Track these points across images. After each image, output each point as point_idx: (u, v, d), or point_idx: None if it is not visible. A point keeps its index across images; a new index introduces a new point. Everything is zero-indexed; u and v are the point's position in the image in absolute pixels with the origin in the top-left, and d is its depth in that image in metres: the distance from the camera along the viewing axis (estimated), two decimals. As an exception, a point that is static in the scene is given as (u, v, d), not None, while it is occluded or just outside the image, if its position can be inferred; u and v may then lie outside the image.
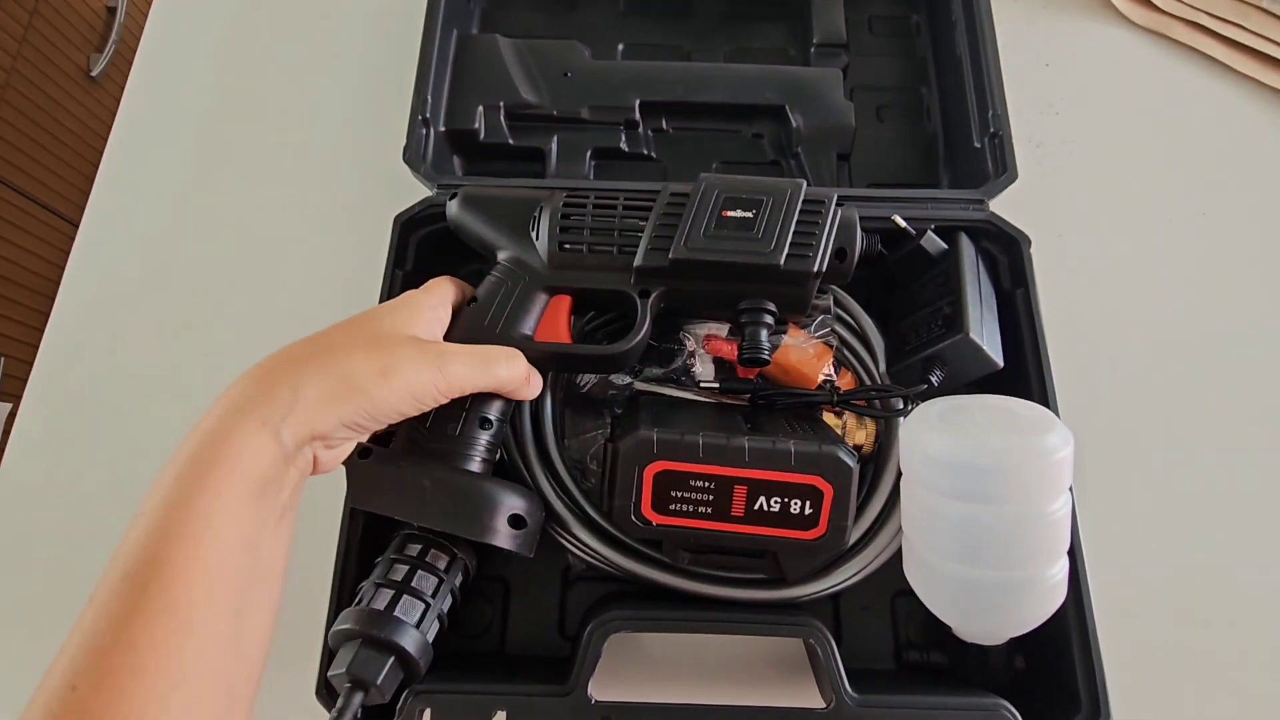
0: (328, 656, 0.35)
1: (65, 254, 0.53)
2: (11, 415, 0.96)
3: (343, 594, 0.37)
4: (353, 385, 0.30)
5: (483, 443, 0.36)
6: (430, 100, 0.48)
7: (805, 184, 0.39)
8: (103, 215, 0.55)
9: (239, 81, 0.59)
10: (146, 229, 0.54)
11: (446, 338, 0.36)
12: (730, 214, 0.38)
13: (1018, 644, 0.39)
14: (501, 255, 0.40)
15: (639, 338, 0.38)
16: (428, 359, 0.32)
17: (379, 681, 0.31)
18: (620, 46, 0.57)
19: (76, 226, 0.54)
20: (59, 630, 0.24)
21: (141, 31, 0.60)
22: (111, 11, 1.12)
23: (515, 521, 0.35)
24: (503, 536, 0.34)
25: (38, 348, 0.51)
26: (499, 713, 0.35)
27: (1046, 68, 0.58)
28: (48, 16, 1.02)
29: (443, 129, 0.50)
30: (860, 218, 0.40)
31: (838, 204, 0.39)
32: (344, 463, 0.33)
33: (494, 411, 0.37)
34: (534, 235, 0.39)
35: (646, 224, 0.38)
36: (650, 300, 0.38)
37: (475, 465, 0.36)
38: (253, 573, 0.27)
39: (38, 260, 1.02)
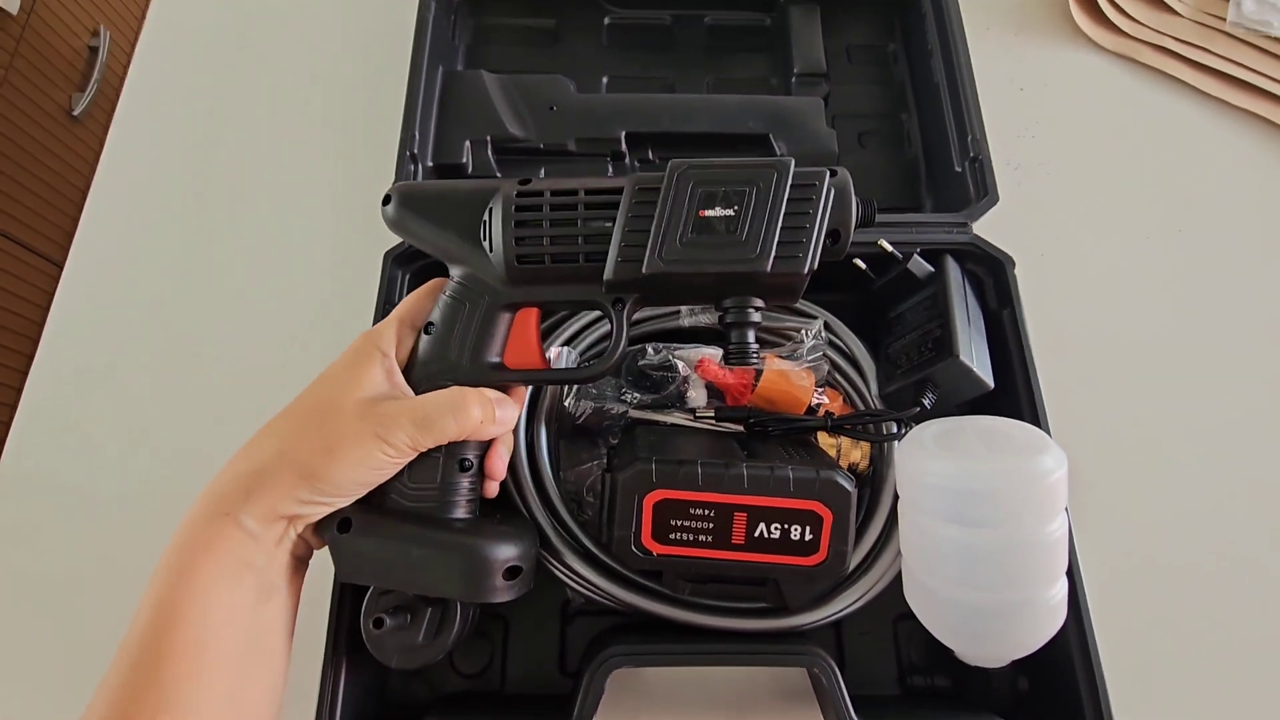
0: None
1: (46, 293, 0.53)
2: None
3: (338, 652, 0.36)
4: (302, 468, 0.30)
5: (465, 486, 0.35)
6: (418, 136, 0.49)
7: (793, 163, 0.33)
8: (88, 254, 0.55)
9: (225, 119, 0.59)
10: (133, 268, 0.54)
11: (408, 378, 0.34)
12: (709, 213, 0.33)
13: (1021, 665, 0.39)
14: (455, 271, 0.36)
15: (618, 353, 0.35)
16: (368, 430, 0.31)
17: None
18: (605, 79, 0.58)
19: (58, 265, 0.54)
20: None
21: (123, 71, 0.60)
22: (94, 51, 1.13)
23: (511, 573, 0.34)
24: (500, 592, 0.33)
25: (17, 390, 0.50)
26: (501, 755, 0.34)
27: (1021, 92, 0.59)
28: (29, 56, 1.02)
29: (430, 164, 0.50)
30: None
31: (831, 178, 0.34)
32: (324, 538, 0.33)
33: (471, 452, 0.35)
34: (486, 245, 0.34)
35: (613, 226, 0.33)
36: (626, 310, 0.35)
37: (461, 511, 0.34)
38: (247, 649, 0.30)
39: (18, 300, 1.00)
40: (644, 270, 0.33)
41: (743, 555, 0.35)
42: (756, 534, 0.35)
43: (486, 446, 0.36)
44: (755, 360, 0.35)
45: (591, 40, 0.59)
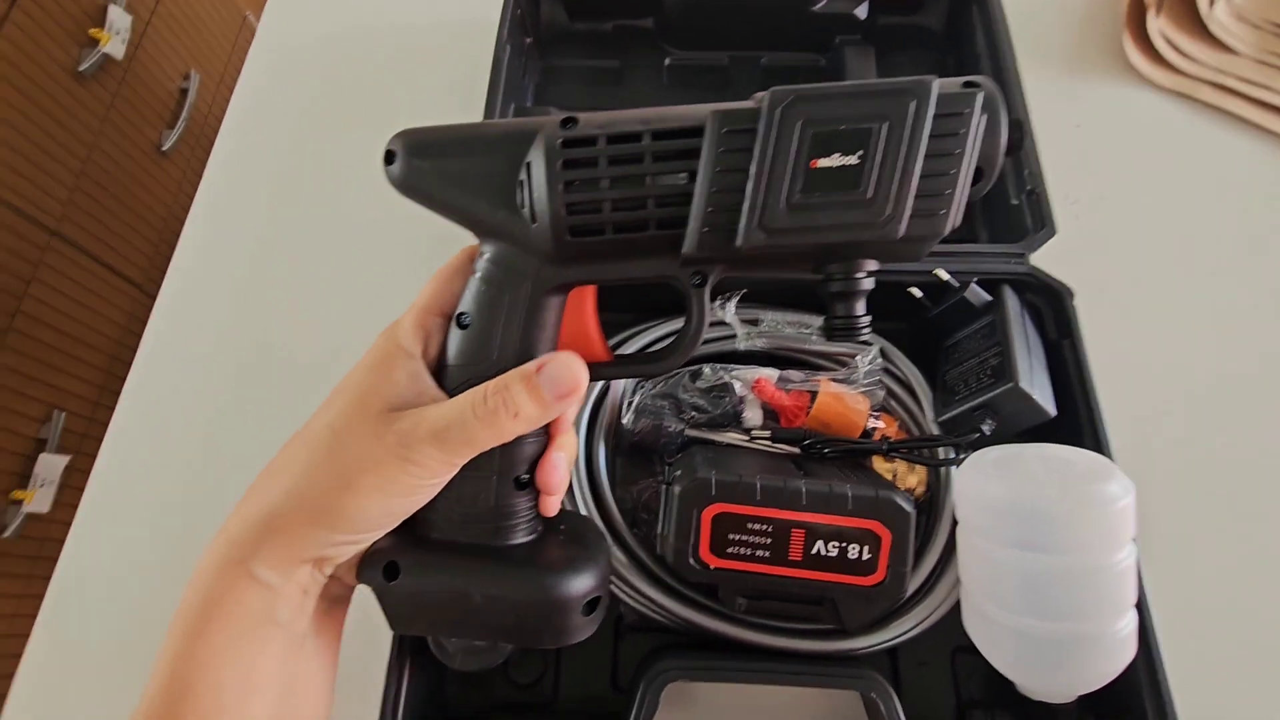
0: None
1: (128, 314, 0.57)
2: (71, 468, 0.99)
3: (402, 654, 0.37)
4: (316, 508, 0.25)
5: (525, 505, 0.29)
6: (489, 167, 0.51)
7: (936, 83, 0.25)
8: (182, 283, 0.59)
9: (310, 156, 0.63)
10: (222, 297, 0.58)
11: (441, 381, 0.28)
12: (824, 162, 0.25)
13: (1088, 702, 0.38)
14: (486, 247, 0.28)
15: (698, 340, 0.28)
16: (388, 452, 0.25)
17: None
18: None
19: (139, 287, 0.58)
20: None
21: (209, 109, 0.65)
22: (184, 92, 1.22)
23: (590, 606, 0.28)
24: (581, 630, 0.28)
25: (98, 404, 0.54)
26: (556, 764, 0.34)
27: (1077, 128, 0.60)
28: (128, 97, 1.11)
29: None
30: (903, 271, 0.41)
31: (982, 98, 0.25)
32: (370, 586, 0.28)
33: (525, 465, 0.29)
34: (526, 211, 0.27)
35: (696, 182, 0.25)
36: (707, 288, 0.28)
37: (522, 534, 0.29)
38: (278, 709, 0.26)
39: (102, 320, 1.07)
40: (740, 243, 0.26)
41: (800, 572, 0.35)
42: (814, 551, 0.35)
43: (540, 455, 0.29)
44: (863, 336, 0.28)
45: (653, 80, 0.61)
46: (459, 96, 0.62)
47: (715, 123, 0.25)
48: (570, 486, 0.42)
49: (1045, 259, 0.46)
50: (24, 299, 0.95)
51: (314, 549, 0.26)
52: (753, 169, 0.25)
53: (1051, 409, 0.40)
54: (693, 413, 0.44)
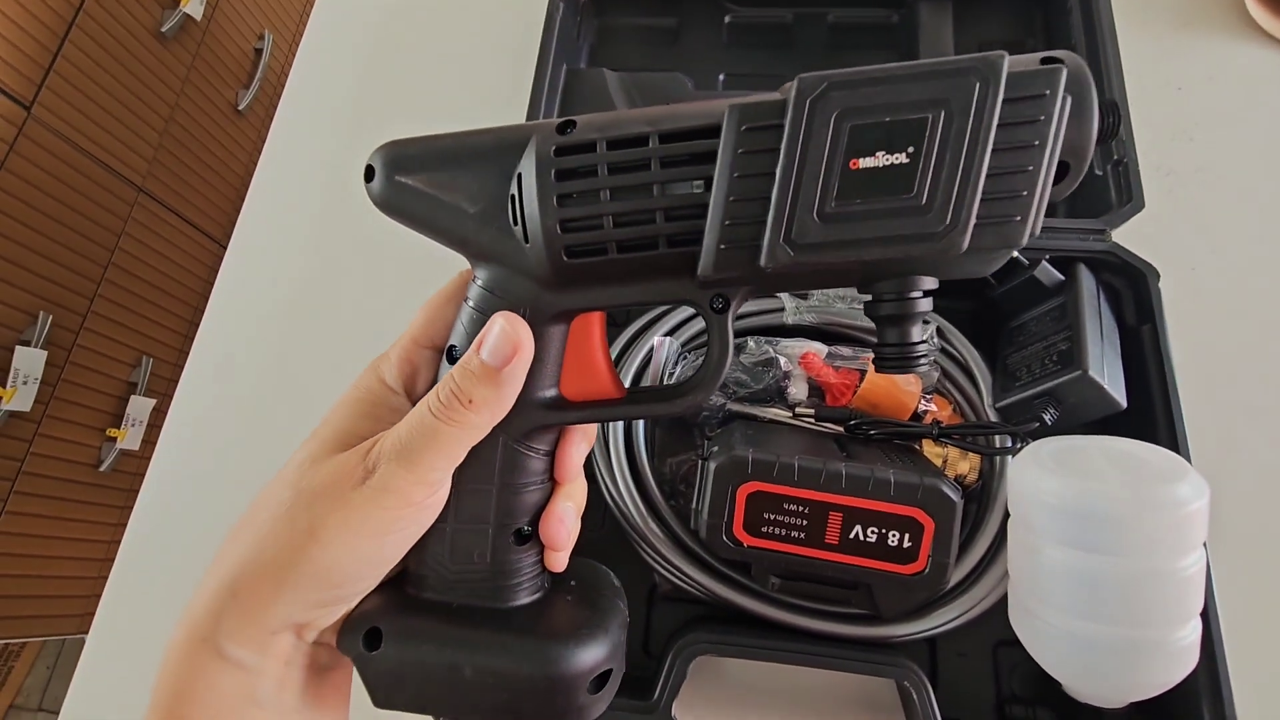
0: None
1: (209, 268, 0.60)
2: (157, 410, 1.07)
3: None
4: (280, 564, 0.22)
5: (528, 564, 0.26)
6: (541, 130, 0.51)
7: (1007, 60, 0.20)
8: (249, 237, 0.61)
9: (370, 116, 0.64)
10: (287, 250, 0.60)
11: None
12: (866, 162, 0.21)
13: (1140, 709, 0.36)
14: (478, 271, 0.25)
15: (722, 372, 0.24)
16: (354, 489, 0.22)
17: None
18: (721, 77, 0.58)
19: (219, 243, 0.61)
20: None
21: (282, 69, 0.67)
22: (258, 52, 1.26)
23: (600, 681, 0.24)
24: (588, 710, 0.24)
25: (181, 351, 0.57)
26: (583, 724, 0.35)
27: (1179, 92, 0.54)
28: (206, 58, 1.16)
29: (551, 156, 0.53)
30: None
31: (1066, 77, 0.20)
32: (350, 656, 0.24)
33: (527, 516, 0.25)
34: (519, 230, 0.23)
35: (711, 190, 0.22)
36: (730, 313, 0.24)
37: (525, 593, 0.25)
38: None
39: (186, 273, 1.14)
40: (764, 263, 0.22)
41: (836, 556, 0.34)
42: (852, 535, 0.34)
43: (544, 505, 0.26)
44: (923, 365, 0.23)
45: (712, 38, 0.59)
46: (511, 56, 0.62)
47: (733, 120, 0.21)
48: (606, 455, 0.42)
49: (1130, 236, 0.42)
50: (115, 252, 1.02)
51: (286, 615, 0.22)
52: (778, 173, 0.21)
53: (1122, 400, 0.38)
54: (735, 387, 0.43)
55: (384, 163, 0.25)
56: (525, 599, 0.25)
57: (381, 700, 0.24)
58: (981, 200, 0.20)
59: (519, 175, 0.23)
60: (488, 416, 0.23)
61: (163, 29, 1.05)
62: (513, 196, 0.23)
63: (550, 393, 0.25)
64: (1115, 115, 0.22)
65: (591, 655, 0.24)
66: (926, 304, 0.23)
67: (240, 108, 1.22)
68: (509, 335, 0.23)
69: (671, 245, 0.23)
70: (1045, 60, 0.21)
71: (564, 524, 0.25)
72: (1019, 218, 0.21)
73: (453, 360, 0.25)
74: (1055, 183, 0.21)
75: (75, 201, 0.96)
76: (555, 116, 0.52)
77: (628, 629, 0.26)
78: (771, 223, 0.21)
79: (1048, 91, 0.20)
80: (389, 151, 0.25)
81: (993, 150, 0.20)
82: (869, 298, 0.24)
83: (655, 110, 0.23)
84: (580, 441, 0.26)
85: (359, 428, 0.24)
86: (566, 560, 0.26)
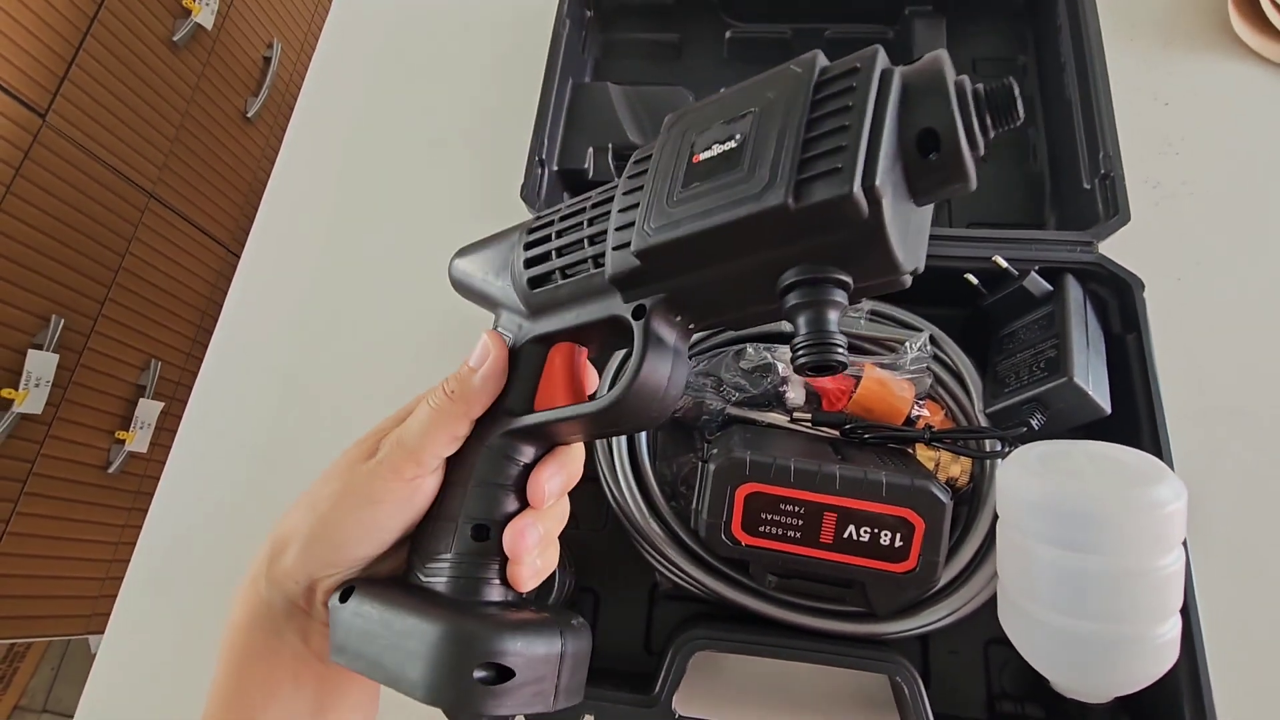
0: None
1: (217, 273, 0.61)
2: (165, 413, 1.08)
3: None
4: (307, 523, 0.27)
5: (490, 566, 0.27)
6: (546, 143, 0.53)
7: (819, 56, 0.23)
8: (263, 246, 0.63)
9: (382, 127, 0.66)
10: (301, 258, 0.62)
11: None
12: (705, 156, 0.24)
13: (1124, 704, 0.37)
14: (496, 314, 0.32)
15: (637, 376, 0.26)
16: (361, 461, 0.27)
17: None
18: (722, 91, 0.59)
19: (227, 248, 0.63)
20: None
21: (290, 78, 0.68)
22: (267, 60, 1.28)
23: (493, 675, 0.24)
24: (468, 697, 0.23)
25: (190, 354, 0.59)
26: (586, 716, 0.37)
27: (1165, 106, 0.56)
28: (216, 67, 1.18)
29: (555, 168, 0.54)
30: (958, 258, 0.40)
31: (884, 66, 0.22)
32: (328, 607, 0.27)
33: (490, 516, 0.27)
34: (509, 280, 0.31)
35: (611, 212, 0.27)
36: (646, 319, 0.26)
37: (494, 594, 0.27)
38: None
39: (194, 278, 1.15)
40: (632, 248, 0.25)
41: (830, 554, 0.36)
42: (845, 535, 0.35)
43: (508, 513, 0.28)
44: (837, 360, 0.23)
45: (713, 53, 0.61)
46: (519, 70, 0.64)
47: (630, 161, 0.27)
48: (609, 456, 0.43)
49: (1116, 247, 0.43)
50: (125, 256, 1.04)
51: (303, 569, 0.27)
52: (648, 180, 0.25)
53: (1106, 406, 0.39)
54: (734, 391, 0.44)
55: (456, 258, 0.35)
56: (495, 598, 0.27)
57: (334, 653, 0.26)
58: (802, 160, 0.22)
59: (513, 244, 0.31)
60: (463, 406, 0.28)
61: (174, 38, 1.07)
62: (510, 259, 0.31)
63: (524, 406, 0.29)
64: (1006, 93, 0.22)
65: (490, 642, 0.24)
66: (836, 294, 0.23)
67: (249, 115, 1.24)
68: (486, 345, 0.29)
69: (596, 265, 0.28)
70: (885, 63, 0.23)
71: (524, 536, 0.27)
72: (841, 166, 0.21)
73: None
74: (926, 150, 0.22)
75: (88, 207, 0.98)
76: (560, 128, 0.54)
77: (566, 664, 0.26)
78: (639, 217, 0.25)
79: (858, 66, 0.22)
80: (460, 252, 0.35)
81: (808, 120, 0.22)
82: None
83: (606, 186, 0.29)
84: (555, 467, 0.29)
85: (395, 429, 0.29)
86: (531, 580, 0.28)
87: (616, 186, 0.28)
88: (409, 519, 0.27)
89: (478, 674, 0.23)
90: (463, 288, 0.35)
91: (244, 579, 0.28)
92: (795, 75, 0.23)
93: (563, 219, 0.29)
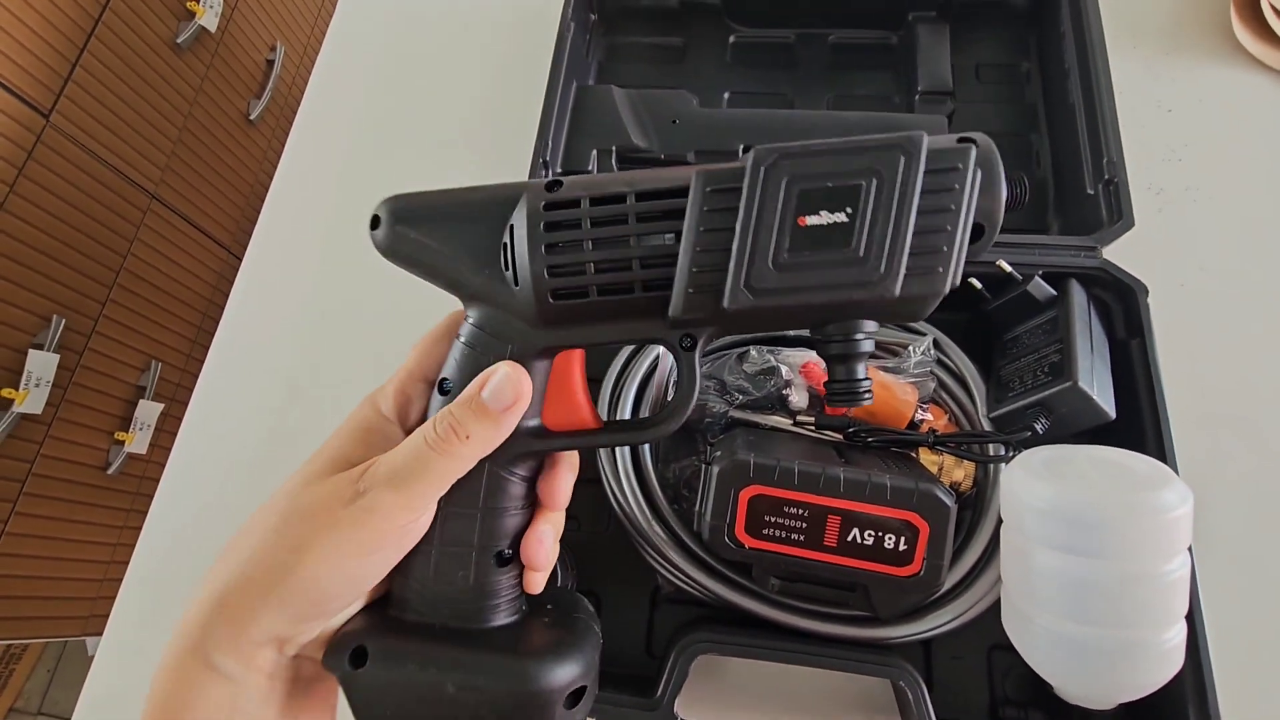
0: None
1: (218, 274, 0.61)
2: (165, 414, 1.08)
3: None
4: (267, 580, 0.23)
5: (507, 585, 0.27)
6: (550, 145, 0.53)
7: (926, 139, 0.24)
8: (265, 248, 0.63)
9: (386, 129, 0.66)
10: (303, 261, 0.62)
11: None
12: (812, 220, 0.24)
13: (1128, 711, 0.37)
14: (471, 311, 0.28)
15: (689, 405, 0.27)
16: (343, 508, 0.23)
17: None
18: (726, 95, 0.60)
19: (228, 250, 0.63)
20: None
21: (293, 81, 0.68)
22: (270, 64, 1.28)
23: (574, 698, 0.26)
24: None
25: (190, 356, 0.59)
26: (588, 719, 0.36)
27: (1169, 113, 0.56)
28: (220, 69, 1.18)
29: (559, 170, 0.54)
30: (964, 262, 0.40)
31: (976, 154, 0.25)
32: (335, 674, 0.25)
33: (508, 539, 0.27)
34: (510, 275, 0.26)
35: (681, 242, 0.25)
36: (698, 351, 0.27)
37: (503, 615, 0.27)
38: None
39: (195, 279, 1.16)
40: (726, 305, 0.25)
41: (834, 558, 0.36)
42: (849, 538, 0.35)
43: (524, 528, 0.27)
44: (867, 399, 0.27)
45: (717, 57, 0.61)
46: (523, 72, 0.64)
47: (699, 182, 0.25)
48: (614, 462, 0.43)
49: (1120, 253, 0.43)
50: (127, 257, 1.04)
51: (269, 628, 0.23)
52: (738, 227, 0.24)
53: (1111, 411, 0.39)
54: (737, 394, 0.44)
55: (389, 214, 0.28)
56: (504, 620, 0.27)
57: (367, 718, 0.25)
58: (909, 255, 0.24)
59: (511, 226, 0.26)
60: (479, 450, 0.25)
61: (178, 40, 1.07)
62: (505, 245, 0.26)
63: (533, 422, 0.27)
64: (1023, 187, 0.27)
65: (567, 672, 0.25)
66: (869, 344, 0.27)
67: (251, 117, 1.24)
68: (513, 382, 0.25)
69: (646, 290, 0.26)
70: (961, 139, 0.25)
71: (544, 545, 0.27)
72: (940, 269, 0.24)
73: (443, 392, 0.27)
74: (972, 242, 0.25)
75: (90, 207, 0.98)
76: (564, 132, 0.54)
77: (601, 650, 0.28)
78: (733, 270, 0.24)
79: (960, 165, 0.24)
80: (395, 204, 0.28)
81: (917, 213, 0.24)
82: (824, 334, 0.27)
83: (634, 173, 0.26)
84: (567, 472, 0.28)
85: (354, 454, 0.26)
86: (544, 582, 0.28)
87: (666, 198, 0.25)
88: (398, 559, 0.25)
89: (562, 708, 0.25)
90: (409, 261, 0.28)
91: (176, 647, 0.23)
92: (906, 158, 0.24)
93: (597, 223, 0.25)
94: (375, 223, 0.28)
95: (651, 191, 0.25)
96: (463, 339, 0.27)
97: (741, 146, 0.54)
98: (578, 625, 0.28)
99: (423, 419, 0.27)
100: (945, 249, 0.24)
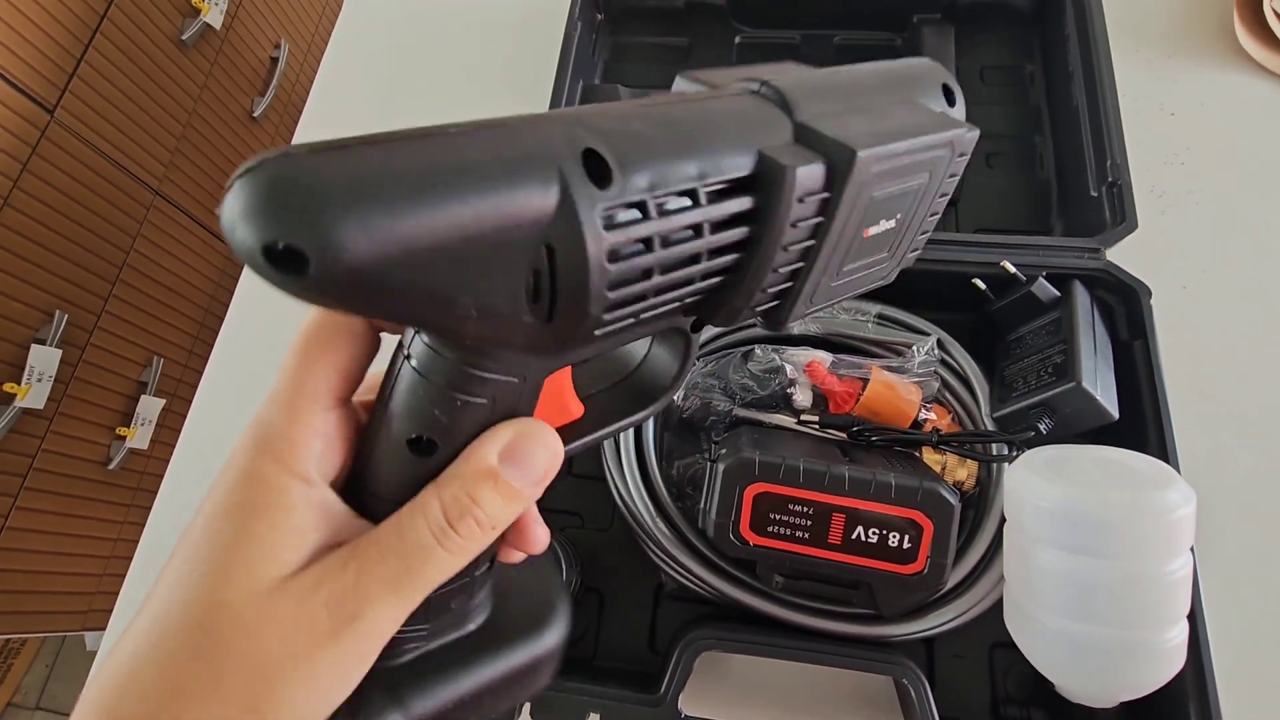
0: None
1: (221, 271, 0.61)
2: (166, 410, 1.08)
3: None
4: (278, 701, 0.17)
5: (483, 585, 0.24)
6: (556, 143, 0.53)
7: (972, 131, 0.22)
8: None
9: (390, 126, 0.66)
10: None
11: (358, 498, 0.19)
12: (874, 230, 0.21)
13: (1129, 709, 0.37)
14: (442, 345, 0.18)
15: (684, 379, 0.25)
16: (323, 635, 0.17)
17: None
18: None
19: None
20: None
21: (297, 78, 0.68)
22: (274, 61, 1.28)
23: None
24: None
25: (192, 352, 0.59)
26: (592, 715, 0.37)
27: (1171, 116, 0.56)
28: (224, 66, 1.18)
29: (565, 168, 0.54)
30: (966, 263, 0.40)
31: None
32: None
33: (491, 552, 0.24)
34: (540, 306, 0.17)
35: (749, 259, 0.19)
36: (700, 333, 0.24)
37: (482, 612, 0.24)
38: None
39: (198, 275, 1.16)
40: (786, 319, 0.22)
41: (838, 555, 0.36)
42: (854, 536, 0.35)
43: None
44: None
45: (722, 57, 0.61)
46: (529, 71, 0.64)
47: (788, 185, 0.18)
48: (616, 457, 0.43)
49: (1123, 254, 0.44)
50: (130, 253, 1.04)
51: None
52: (823, 246, 0.20)
53: (1114, 411, 0.39)
54: (742, 393, 0.44)
55: (319, 242, 0.14)
56: (484, 615, 0.24)
57: None
58: (912, 248, 0.24)
59: (548, 248, 0.16)
60: (500, 532, 0.19)
61: (183, 37, 1.07)
62: (539, 274, 0.16)
63: None
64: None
65: (564, 623, 0.25)
66: None
67: (255, 114, 1.24)
68: (548, 449, 0.19)
69: (688, 309, 0.21)
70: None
71: (535, 530, 0.22)
72: (918, 251, 0.24)
73: (422, 452, 0.19)
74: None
75: (93, 203, 0.98)
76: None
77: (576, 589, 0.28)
78: (804, 291, 0.21)
79: (963, 155, 0.23)
80: (343, 196, 0.15)
81: (930, 211, 0.23)
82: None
83: (684, 139, 0.18)
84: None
85: (276, 546, 0.17)
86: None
87: (733, 185, 0.18)
88: None
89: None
90: (380, 292, 0.15)
91: None
92: (950, 153, 0.22)
93: (666, 242, 0.17)
94: (299, 261, 0.15)
95: (721, 189, 0.19)
96: (430, 377, 0.18)
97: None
98: (542, 571, 0.27)
99: (362, 458, 0.19)
100: (929, 231, 0.24)
